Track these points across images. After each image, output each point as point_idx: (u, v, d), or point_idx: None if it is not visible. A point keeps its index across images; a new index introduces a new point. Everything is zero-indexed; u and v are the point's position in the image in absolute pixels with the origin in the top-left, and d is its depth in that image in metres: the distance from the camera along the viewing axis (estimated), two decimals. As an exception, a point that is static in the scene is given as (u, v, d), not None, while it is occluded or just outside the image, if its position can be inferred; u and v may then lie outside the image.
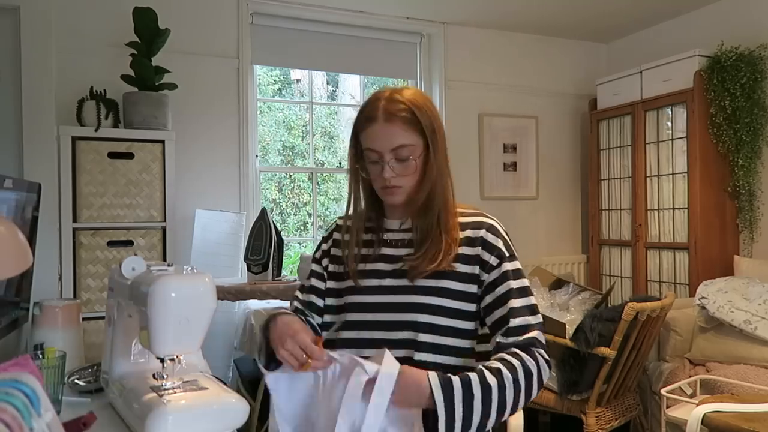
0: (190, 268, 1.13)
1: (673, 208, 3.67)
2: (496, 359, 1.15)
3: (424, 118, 1.22)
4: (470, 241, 1.24)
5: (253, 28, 3.62)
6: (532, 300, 1.22)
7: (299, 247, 5.30)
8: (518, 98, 4.36)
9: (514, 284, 1.21)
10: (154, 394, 1.10)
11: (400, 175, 1.23)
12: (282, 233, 2.69)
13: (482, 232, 1.25)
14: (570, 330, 2.38)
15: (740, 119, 3.41)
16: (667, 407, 2.47)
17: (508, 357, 1.14)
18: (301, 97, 6.01)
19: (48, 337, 1.49)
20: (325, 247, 1.39)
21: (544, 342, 1.20)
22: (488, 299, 1.22)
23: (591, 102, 4.32)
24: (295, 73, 4.05)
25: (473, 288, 1.23)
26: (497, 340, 1.19)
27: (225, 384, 1.23)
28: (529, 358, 1.15)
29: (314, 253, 1.42)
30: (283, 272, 2.67)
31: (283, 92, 6.00)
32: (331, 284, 1.35)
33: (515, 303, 1.19)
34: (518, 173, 4.35)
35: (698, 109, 3.48)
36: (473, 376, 1.10)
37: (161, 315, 1.04)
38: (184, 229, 3.17)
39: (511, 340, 1.17)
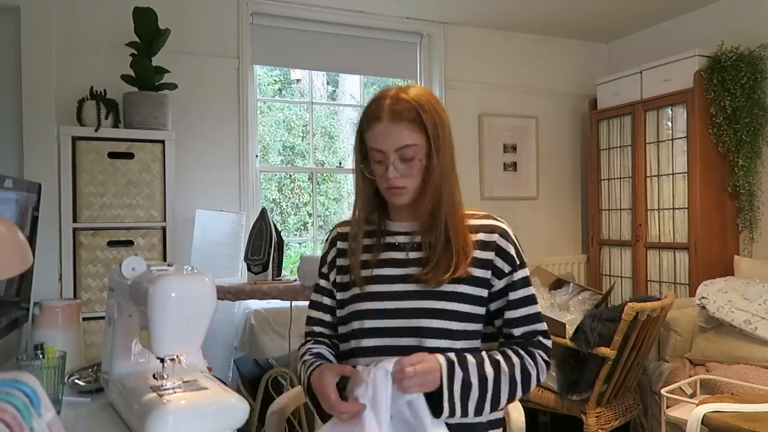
0: (190, 268, 1.13)
1: (673, 208, 3.67)
2: (498, 351, 1.20)
3: (428, 118, 1.20)
4: (484, 245, 1.24)
5: (253, 28, 3.62)
6: (537, 308, 1.26)
7: (299, 247, 5.30)
8: (518, 98, 4.36)
9: (522, 293, 1.24)
10: (154, 394, 1.10)
11: (404, 175, 1.21)
12: (282, 233, 2.69)
13: (495, 237, 1.24)
14: (570, 330, 2.38)
15: (740, 119, 3.41)
16: (667, 407, 2.47)
17: (509, 352, 1.20)
18: (301, 97, 6.01)
19: (48, 337, 1.49)
20: (329, 259, 1.35)
21: (548, 345, 1.25)
22: (497, 305, 1.25)
23: (591, 102, 4.32)
24: (295, 73, 4.05)
25: (484, 292, 1.23)
26: (503, 348, 1.23)
27: (225, 384, 1.23)
28: (529, 359, 1.20)
29: (320, 268, 1.37)
30: (283, 272, 2.67)
31: (283, 92, 5.99)
32: (340, 296, 1.31)
33: (522, 312, 1.23)
34: (518, 173, 4.35)
35: (698, 109, 3.48)
36: (471, 364, 1.14)
37: (161, 315, 1.04)
38: (184, 229, 3.17)
39: (520, 341, 1.24)
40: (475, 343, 1.24)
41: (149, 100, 2.90)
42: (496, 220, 1.28)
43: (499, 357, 1.18)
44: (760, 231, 3.54)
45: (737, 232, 3.62)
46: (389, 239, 1.29)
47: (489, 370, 1.15)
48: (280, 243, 2.64)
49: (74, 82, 3.02)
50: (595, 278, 4.23)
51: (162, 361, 1.09)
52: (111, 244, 2.77)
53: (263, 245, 2.57)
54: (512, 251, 1.24)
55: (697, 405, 2.13)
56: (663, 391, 2.48)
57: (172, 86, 2.97)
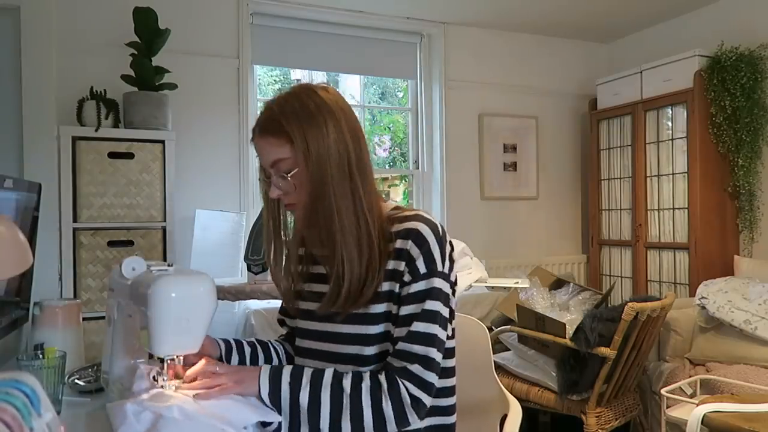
0: (190, 269, 1.13)
1: (673, 208, 3.67)
2: (354, 373, 1.06)
3: (294, 128, 1.05)
4: (398, 254, 1.07)
5: (253, 28, 3.62)
6: (427, 328, 1.04)
7: (299, 247, 5.30)
8: (518, 98, 4.36)
9: (410, 309, 1.05)
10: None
11: (286, 192, 1.10)
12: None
13: (408, 244, 1.06)
14: (570, 330, 2.38)
15: (740, 119, 3.41)
16: (667, 407, 2.47)
17: (365, 375, 1.05)
18: (301, 97, 6.01)
19: (48, 337, 1.49)
20: None
21: (423, 377, 1.03)
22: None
23: (591, 102, 4.32)
24: (295, 73, 4.04)
25: (395, 308, 1.07)
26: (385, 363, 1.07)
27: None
28: (386, 386, 1.02)
29: None
30: (283, 272, 2.67)
31: (283, 92, 6.00)
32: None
33: (409, 328, 1.05)
34: (518, 173, 4.35)
35: (698, 109, 3.48)
36: (305, 381, 1.04)
37: (161, 315, 1.04)
38: (184, 229, 3.17)
39: (388, 362, 1.06)
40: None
41: (149, 100, 2.90)
42: (418, 220, 1.07)
43: (347, 380, 1.03)
44: (760, 231, 3.54)
45: (737, 232, 3.62)
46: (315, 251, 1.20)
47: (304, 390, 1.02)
48: (280, 243, 2.63)
49: (74, 82, 3.02)
50: (595, 278, 4.23)
51: (162, 361, 1.09)
52: (111, 244, 2.77)
53: (263, 245, 2.57)
54: (419, 258, 1.05)
55: (697, 405, 2.13)
56: (663, 391, 2.48)
57: (172, 86, 2.97)
